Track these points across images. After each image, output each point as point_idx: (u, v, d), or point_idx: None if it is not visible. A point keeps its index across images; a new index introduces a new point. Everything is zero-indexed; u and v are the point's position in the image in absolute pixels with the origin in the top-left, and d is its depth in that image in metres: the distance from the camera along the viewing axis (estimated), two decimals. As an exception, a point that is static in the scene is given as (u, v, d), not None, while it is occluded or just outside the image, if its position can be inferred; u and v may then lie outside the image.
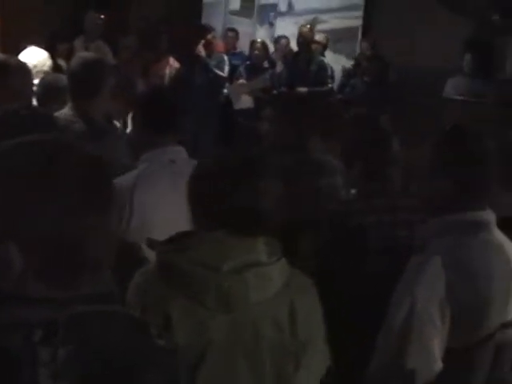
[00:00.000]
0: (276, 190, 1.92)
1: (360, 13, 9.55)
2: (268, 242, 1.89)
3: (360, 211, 2.75)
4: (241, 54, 8.97)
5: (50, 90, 3.98)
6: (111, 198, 1.23)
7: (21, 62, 3.82)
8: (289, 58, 8.20)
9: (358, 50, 9.03)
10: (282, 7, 10.08)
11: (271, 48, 8.78)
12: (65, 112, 3.51)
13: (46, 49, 5.28)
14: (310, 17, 9.44)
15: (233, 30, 9.37)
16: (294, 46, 8.38)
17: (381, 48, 7.86)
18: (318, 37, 8.42)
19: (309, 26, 8.28)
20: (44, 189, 1.14)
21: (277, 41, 8.87)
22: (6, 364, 1.10)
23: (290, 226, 3.03)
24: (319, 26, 9.12)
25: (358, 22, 9.54)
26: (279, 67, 8.03)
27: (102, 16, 7.82)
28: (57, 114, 3.55)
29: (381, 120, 3.21)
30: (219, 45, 8.77)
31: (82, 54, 3.70)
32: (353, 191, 3.04)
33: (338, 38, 9.33)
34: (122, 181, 2.69)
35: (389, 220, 2.71)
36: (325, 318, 1.96)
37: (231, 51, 8.94)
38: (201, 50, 7.71)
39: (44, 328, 1.12)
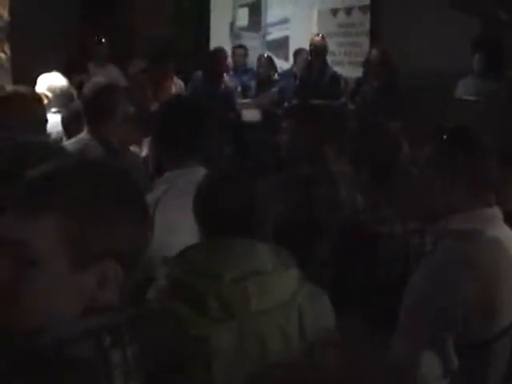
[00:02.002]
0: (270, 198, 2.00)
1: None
2: (277, 251, 1.91)
3: (374, 219, 2.78)
4: (251, 70, 8.99)
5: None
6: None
7: (36, 93, 3.88)
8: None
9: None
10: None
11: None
12: (82, 137, 3.57)
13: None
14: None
15: (241, 46, 9.39)
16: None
17: (389, 52, 7.84)
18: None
19: (321, 34, 8.24)
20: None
21: (297, 53, 8.81)
22: (83, 372, 1.16)
23: (306, 235, 3.06)
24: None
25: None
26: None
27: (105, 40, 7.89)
28: (74, 138, 3.62)
29: (391, 126, 3.22)
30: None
31: (94, 80, 3.76)
32: (363, 199, 3.08)
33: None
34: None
35: (402, 227, 2.75)
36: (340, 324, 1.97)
37: (241, 68, 8.98)
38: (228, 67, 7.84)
39: (111, 333, 1.19)
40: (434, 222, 2.19)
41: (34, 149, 1.74)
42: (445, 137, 2.26)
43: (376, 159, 2.95)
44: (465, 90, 7.35)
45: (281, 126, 3.71)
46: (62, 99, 4.66)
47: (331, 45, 8.51)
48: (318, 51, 7.87)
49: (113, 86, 3.66)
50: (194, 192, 2.05)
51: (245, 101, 8.24)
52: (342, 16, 9.33)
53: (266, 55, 8.77)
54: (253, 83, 8.44)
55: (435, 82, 7.61)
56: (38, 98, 3.72)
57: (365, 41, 8.97)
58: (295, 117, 3.68)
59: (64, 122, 4.19)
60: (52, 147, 1.94)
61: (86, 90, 3.61)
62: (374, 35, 9.20)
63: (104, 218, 1.20)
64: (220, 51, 7.93)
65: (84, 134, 3.56)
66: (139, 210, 1.28)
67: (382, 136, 3.05)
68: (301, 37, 9.21)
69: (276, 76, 8.44)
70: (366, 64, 7.68)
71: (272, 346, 1.82)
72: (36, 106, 3.55)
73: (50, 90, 4.66)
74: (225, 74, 7.80)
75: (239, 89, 8.32)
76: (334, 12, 9.39)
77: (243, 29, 10.44)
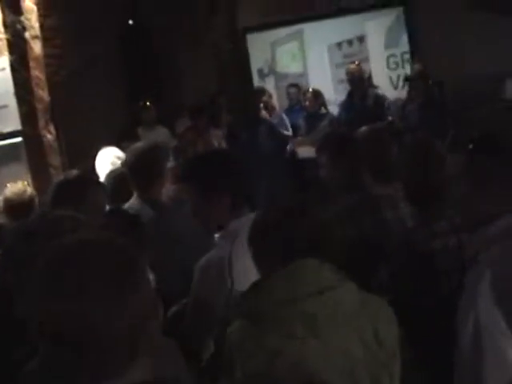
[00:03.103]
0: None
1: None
2: (332, 268, 1.98)
3: (426, 236, 2.76)
4: (301, 107, 8.92)
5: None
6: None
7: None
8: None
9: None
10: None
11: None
12: (132, 202, 3.63)
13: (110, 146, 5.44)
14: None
15: (294, 85, 9.41)
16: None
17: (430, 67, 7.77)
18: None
19: (356, 62, 8.32)
20: None
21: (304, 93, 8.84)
22: None
23: (363, 258, 3.04)
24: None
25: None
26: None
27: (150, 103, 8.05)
28: (126, 205, 3.67)
29: (436, 144, 3.18)
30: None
31: (136, 146, 3.80)
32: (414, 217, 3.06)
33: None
34: (217, 253, 2.72)
35: (453, 241, 2.72)
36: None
37: (296, 106, 8.98)
38: (265, 113, 7.88)
39: None
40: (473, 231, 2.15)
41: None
42: (471, 146, 2.22)
43: (422, 177, 2.94)
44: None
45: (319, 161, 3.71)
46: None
47: (340, 74, 9.48)
48: (353, 78, 7.99)
49: (153, 148, 3.71)
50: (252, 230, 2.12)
51: (299, 138, 8.26)
52: (345, 47, 10.19)
53: (310, 89, 8.72)
54: (301, 120, 8.43)
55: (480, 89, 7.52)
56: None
57: (366, 65, 9.43)
58: (328, 150, 3.67)
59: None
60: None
61: (128, 156, 3.67)
62: (414, 49, 9.26)
63: None
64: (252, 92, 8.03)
65: (134, 200, 3.62)
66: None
67: (427, 154, 3.03)
68: (315, 71, 10.26)
69: (323, 110, 8.38)
70: (409, 81, 7.60)
71: (357, 355, 1.91)
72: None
73: (112, 163, 4.82)
74: (263, 112, 7.86)
75: (287, 125, 8.31)
76: (339, 45, 10.18)
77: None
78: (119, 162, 4.83)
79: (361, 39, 10.09)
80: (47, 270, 1.30)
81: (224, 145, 7.76)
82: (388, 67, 9.95)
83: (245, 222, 2.64)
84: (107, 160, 4.94)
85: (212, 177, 2.80)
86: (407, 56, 9.68)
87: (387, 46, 9.98)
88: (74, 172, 3.30)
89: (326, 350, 1.88)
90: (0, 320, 2.06)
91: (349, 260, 2.24)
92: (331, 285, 1.93)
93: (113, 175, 4.23)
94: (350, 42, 10.16)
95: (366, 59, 9.81)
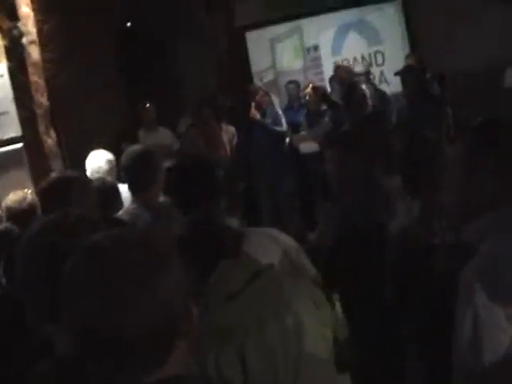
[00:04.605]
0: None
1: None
2: None
3: (424, 232, 2.75)
4: (300, 104, 8.86)
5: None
6: None
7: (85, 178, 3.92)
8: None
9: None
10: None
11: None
12: (128, 206, 3.63)
13: (110, 149, 5.43)
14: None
15: (293, 82, 9.32)
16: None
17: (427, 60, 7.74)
18: (357, 69, 8.44)
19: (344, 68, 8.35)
20: None
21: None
22: None
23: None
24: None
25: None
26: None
27: (150, 104, 8.04)
28: (122, 211, 3.67)
29: (430, 136, 3.19)
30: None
31: (132, 149, 3.77)
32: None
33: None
34: None
35: (451, 238, 2.70)
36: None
37: (296, 103, 8.94)
38: (255, 113, 7.87)
39: None
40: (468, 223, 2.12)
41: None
42: (474, 132, 2.18)
43: (419, 169, 2.94)
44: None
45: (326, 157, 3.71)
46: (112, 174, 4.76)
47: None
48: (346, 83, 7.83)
49: (149, 152, 3.69)
50: None
51: (301, 134, 8.24)
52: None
53: (310, 86, 8.60)
54: (302, 117, 8.41)
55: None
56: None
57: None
58: (338, 146, 3.67)
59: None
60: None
61: (124, 159, 3.65)
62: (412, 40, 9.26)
63: None
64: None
65: (130, 204, 3.62)
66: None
67: (423, 147, 3.03)
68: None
69: (324, 106, 8.33)
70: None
71: None
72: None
73: (95, 169, 4.77)
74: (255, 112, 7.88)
75: (282, 122, 8.30)
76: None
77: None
78: (105, 168, 4.81)
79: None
80: (80, 271, 1.30)
81: (235, 142, 7.78)
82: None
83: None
84: (93, 164, 4.89)
85: (191, 192, 2.88)
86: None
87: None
88: (56, 174, 3.27)
89: None
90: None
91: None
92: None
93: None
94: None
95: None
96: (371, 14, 9.97)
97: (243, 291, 1.88)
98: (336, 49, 10.17)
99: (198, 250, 2.04)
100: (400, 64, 8.04)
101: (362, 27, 10.02)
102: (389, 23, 9.92)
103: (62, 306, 1.31)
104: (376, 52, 10.00)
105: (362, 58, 9.88)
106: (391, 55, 9.78)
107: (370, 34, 10.00)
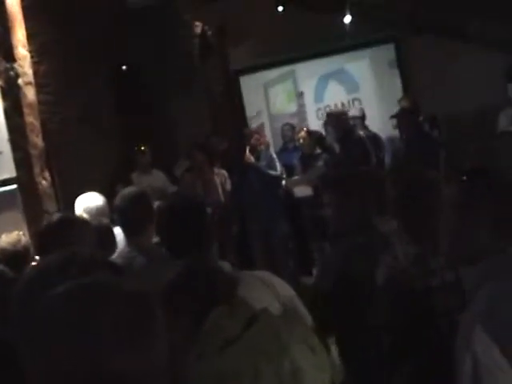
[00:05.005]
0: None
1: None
2: None
3: (422, 273, 2.73)
4: (295, 147, 8.90)
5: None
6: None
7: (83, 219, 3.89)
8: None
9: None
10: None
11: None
12: (121, 249, 3.60)
13: (104, 191, 5.39)
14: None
15: (288, 124, 9.53)
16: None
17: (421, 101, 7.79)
18: (353, 111, 8.50)
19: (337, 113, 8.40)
20: None
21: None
22: None
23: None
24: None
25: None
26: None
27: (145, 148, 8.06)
28: (116, 253, 3.62)
29: (429, 173, 3.19)
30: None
31: (126, 191, 3.74)
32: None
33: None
34: None
35: (451, 276, 2.68)
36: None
37: (291, 145, 9.02)
38: (249, 156, 7.88)
39: None
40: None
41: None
42: (464, 178, 2.20)
43: (416, 209, 2.94)
44: (508, 120, 7.25)
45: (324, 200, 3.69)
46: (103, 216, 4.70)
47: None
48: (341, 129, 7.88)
49: (143, 194, 3.66)
50: None
51: (295, 178, 8.25)
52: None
53: (304, 129, 8.71)
54: (295, 160, 8.42)
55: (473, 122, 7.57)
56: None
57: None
58: (335, 190, 3.66)
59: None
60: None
61: (118, 201, 3.60)
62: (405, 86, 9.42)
63: None
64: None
65: (124, 247, 3.59)
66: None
67: (420, 185, 3.03)
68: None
69: (318, 150, 8.33)
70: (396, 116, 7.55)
71: None
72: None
73: (85, 211, 4.69)
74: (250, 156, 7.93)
75: (277, 165, 8.29)
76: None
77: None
78: (95, 210, 4.75)
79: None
80: (65, 316, 1.26)
81: (228, 185, 7.79)
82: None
83: None
84: (83, 206, 4.83)
85: (183, 237, 2.91)
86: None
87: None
88: (56, 215, 3.24)
89: None
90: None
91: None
92: None
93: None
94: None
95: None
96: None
97: (240, 338, 1.85)
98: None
99: (191, 294, 2.02)
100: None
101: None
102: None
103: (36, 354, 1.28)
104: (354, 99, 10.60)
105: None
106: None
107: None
